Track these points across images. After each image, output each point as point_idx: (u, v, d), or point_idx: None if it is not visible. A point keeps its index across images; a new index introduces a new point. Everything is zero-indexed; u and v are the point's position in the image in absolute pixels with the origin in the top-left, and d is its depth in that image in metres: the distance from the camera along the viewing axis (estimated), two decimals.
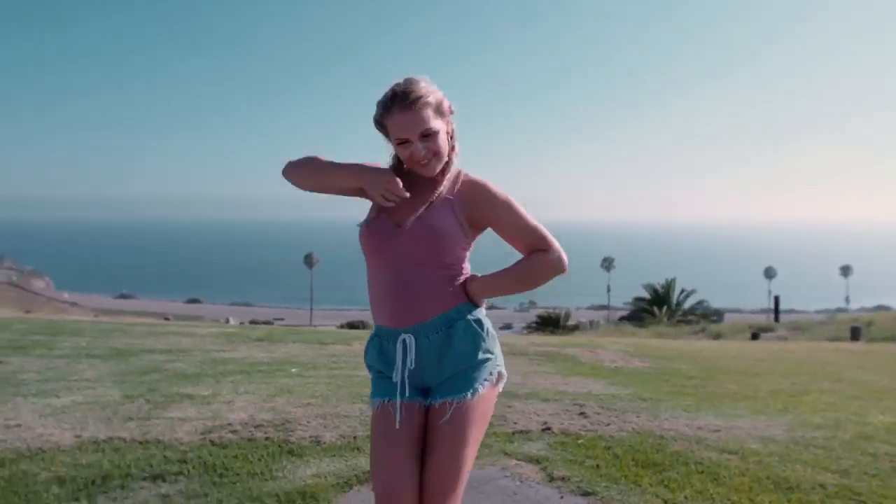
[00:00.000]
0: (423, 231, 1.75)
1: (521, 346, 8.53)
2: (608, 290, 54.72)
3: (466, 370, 1.77)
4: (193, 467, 3.15)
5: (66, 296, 59.80)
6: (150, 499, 2.83)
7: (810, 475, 3.18)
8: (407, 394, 1.76)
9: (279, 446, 3.49)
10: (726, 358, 8.55)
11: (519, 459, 3.33)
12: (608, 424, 4.08)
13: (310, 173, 1.84)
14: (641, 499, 2.82)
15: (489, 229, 1.87)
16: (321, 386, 5.20)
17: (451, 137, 1.83)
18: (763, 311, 45.80)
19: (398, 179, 1.75)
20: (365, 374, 6.26)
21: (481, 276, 1.85)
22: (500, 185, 1.86)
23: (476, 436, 1.76)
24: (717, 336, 20.49)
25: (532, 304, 56.02)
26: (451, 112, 1.82)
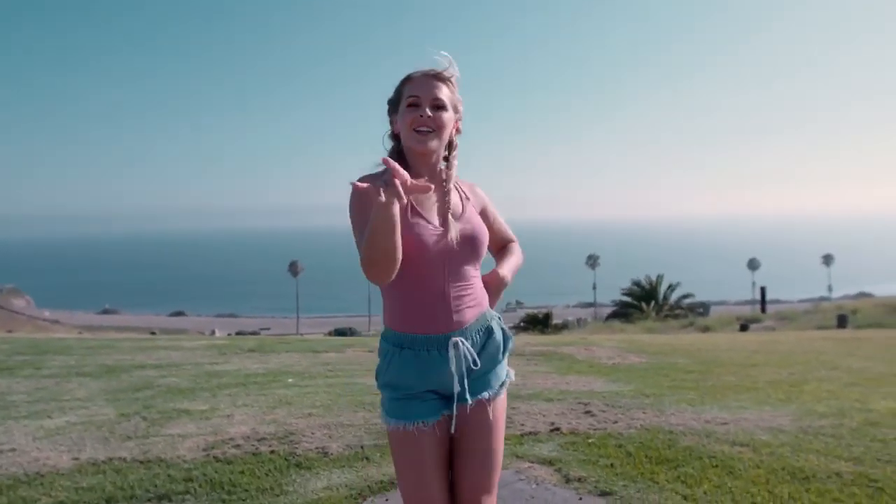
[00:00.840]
0: (467, 228, 1.76)
1: (515, 347, 8.49)
2: (594, 288, 54.92)
3: (493, 368, 1.81)
4: (200, 486, 3.06)
5: (47, 314, 58.83)
6: None
7: (824, 464, 3.17)
8: (469, 400, 1.74)
9: (285, 459, 3.41)
10: (720, 350, 8.57)
11: (532, 462, 3.27)
12: (616, 422, 4.05)
13: (377, 257, 1.58)
14: (661, 496, 2.78)
15: None
16: (320, 395, 5.12)
17: (453, 138, 1.85)
18: (748, 302, 46.27)
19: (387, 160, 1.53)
20: (364, 381, 6.13)
21: (504, 263, 1.91)
22: (482, 186, 1.98)
23: (502, 432, 1.83)
24: (706, 329, 20.63)
25: (519, 303, 56.10)
26: (460, 117, 1.85)
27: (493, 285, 1.83)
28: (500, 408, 1.81)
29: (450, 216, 1.75)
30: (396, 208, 1.50)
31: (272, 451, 3.54)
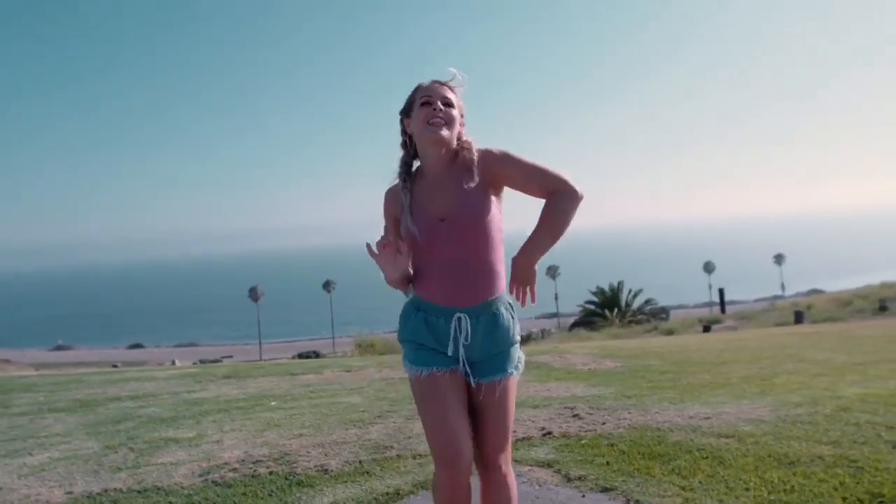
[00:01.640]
0: (466, 218, 1.95)
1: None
2: (556, 298, 55.50)
3: (505, 350, 2.03)
4: None
5: None
6: None
7: (806, 449, 3.33)
8: (462, 366, 1.99)
9: (286, 479, 3.41)
10: (690, 351, 8.82)
11: (530, 465, 3.36)
12: (604, 423, 4.16)
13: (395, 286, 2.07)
14: (659, 489, 2.89)
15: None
16: (307, 416, 5.11)
17: (460, 134, 2.08)
18: (706, 304, 47.33)
19: (379, 242, 1.97)
20: (348, 401, 6.15)
21: (522, 246, 1.97)
22: None
23: (514, 403, 2.08)
24: (670, 332, 21.08)
25: None
26: (462, 119, 2.09)
27: (515, 272, 1.98)
28: (510, 387, 2.04)
29: (450, 208, 1.95)
30: (399, 277, 1.98)
31: (271, 472, 3.54)
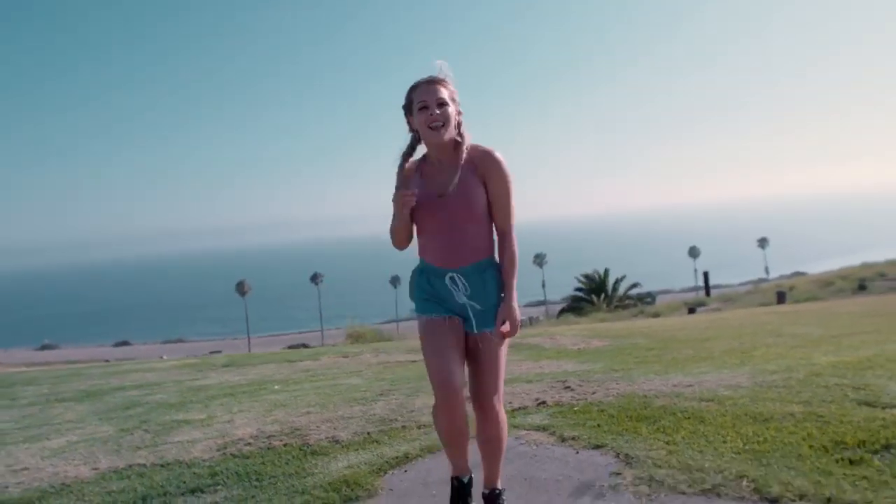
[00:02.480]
0: (459, 198, 2.35)
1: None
2: (543, 286, 55.94)
3: (494, 305, 2.41)
4: (227, 478, 3.27)
5: None
6: None
7: (779, 408, 3.63)
8: (468, 311, 2.42)
9: (300, 449, 3.65)
10: (675, 330, 9.16)
11: (527, 430, 3.63)
12: (594, 393, 4.45)
13: (393, 234, 2.48)
14: (646, 444, 3.17)
15: None
16: (312, 397, 5.34)
17: (459, 123, 2.41)
18: (692, 289, 47.97)
19: (401, 192, 2.37)
20: (349, 382, 6.40)
21: (504, 295, 2.40)
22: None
23: (505, 353, 2.47)
24: (656, 315, 21.50)
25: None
26: (458, 105, 2.41)
27: (503, 316, 2.38)
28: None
29: (450, 188, 2.34)
30: (407, 210, 2.37)
31: (285, 445, 3.78)
